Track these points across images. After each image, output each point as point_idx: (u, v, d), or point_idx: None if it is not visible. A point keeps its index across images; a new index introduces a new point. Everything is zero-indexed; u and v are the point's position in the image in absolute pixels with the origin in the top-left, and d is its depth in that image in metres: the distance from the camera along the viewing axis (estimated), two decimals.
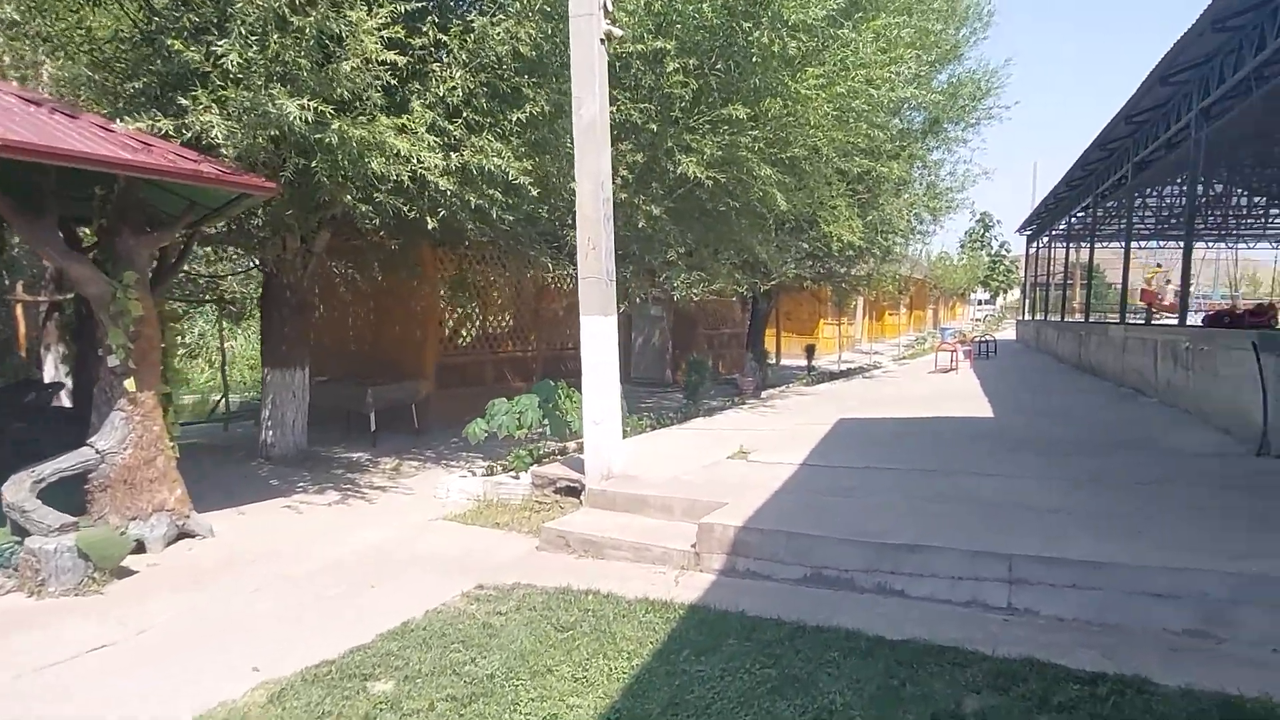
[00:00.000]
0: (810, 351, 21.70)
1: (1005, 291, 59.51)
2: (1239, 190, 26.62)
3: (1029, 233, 33.77)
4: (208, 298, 13.61)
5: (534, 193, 7.68)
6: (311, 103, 6.43)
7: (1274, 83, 10.05)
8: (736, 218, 11.18)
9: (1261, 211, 29.05)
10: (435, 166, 7.28)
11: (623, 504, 6.81)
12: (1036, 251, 32.29)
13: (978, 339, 25.51)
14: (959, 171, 18.67)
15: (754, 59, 9.11)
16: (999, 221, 56.49)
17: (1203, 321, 24.49)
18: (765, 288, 15.84)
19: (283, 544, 6.66)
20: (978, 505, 6.08)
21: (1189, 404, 10.37)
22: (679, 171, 9.18)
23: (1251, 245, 33.01)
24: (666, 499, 6.61)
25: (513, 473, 8.25)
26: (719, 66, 9.61)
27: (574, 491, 7.47)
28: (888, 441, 9.21)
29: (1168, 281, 36.49)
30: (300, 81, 6.62)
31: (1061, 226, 26.29)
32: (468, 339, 13.06)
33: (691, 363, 14.88)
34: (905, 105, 15.70)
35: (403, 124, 7.18)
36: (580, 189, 7.18)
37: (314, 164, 6.84)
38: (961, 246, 54.08)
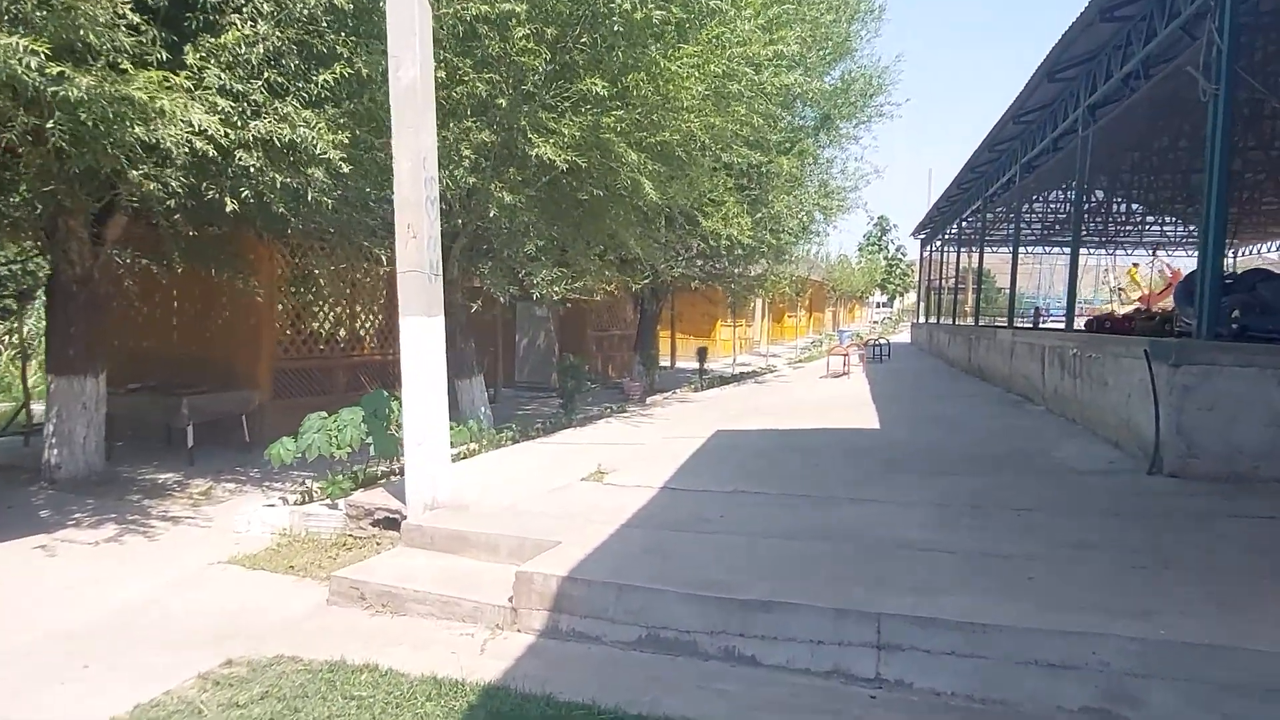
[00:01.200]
0: (702, 355, 20.97)
1: (902, 294, 60.75)
2: (1119, 198, 27.35)
3: (923, 236, 34.11)
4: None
5: (345, 169, 6.48)
6: (40, 46, 5.08)
7: (1160, 74, 9.71)
8: (606, 208, 10.20)
9: (1139, 219, 30.03)
10: (223, 135, 6.02)
11: (442, 542, 5.70)
12: (930, 255, 32.59)
13: (871, 342, 25.35)
14: (850, 169, 18.29)
15: (617, 29, 8.13)
16: (895, 225, 57.80)
17: (1084, 326, 25.01)
18: (638, 286, 14.94)
19: (7, 602, 5.29)
20: (849, 543, 5.23)
21: (1077, 414, 9.93)
22: (535, 155, 8.13)
23: (1129, 252, 34.23)
24: (492, 536, 5.53)
25: (328, 501, 7.02)
26: (583, 39, 8.60)
27: (395, 524, 6.31)
28: (763, 458, 8.38)
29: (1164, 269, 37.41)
30: (29, 19, 5.26)
31: (953, 230, 26.41)
32: (313, 340, 11.64)
33: (565, 367, 13.85)
34: (796, 99, 15.08)
35: (179, 80, 5.89)
36: (398, 167, 6.03)
37: (50, 125, 5.47)
38: (860, 249, 54.85)
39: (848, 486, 6.96)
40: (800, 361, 24.99)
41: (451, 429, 7.41)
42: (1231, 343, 6.87)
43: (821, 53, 15.43)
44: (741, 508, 6.23)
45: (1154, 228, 30.78)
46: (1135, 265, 36.95)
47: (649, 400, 15.83)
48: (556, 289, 9.86)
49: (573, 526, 5.58)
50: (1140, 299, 34.55)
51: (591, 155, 8.54)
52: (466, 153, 7.90)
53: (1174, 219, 29.57)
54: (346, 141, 6.67)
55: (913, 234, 35.01)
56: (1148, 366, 7.29)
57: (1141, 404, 7.64)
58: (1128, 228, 30.72)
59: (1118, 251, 33.73)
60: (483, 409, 11.48)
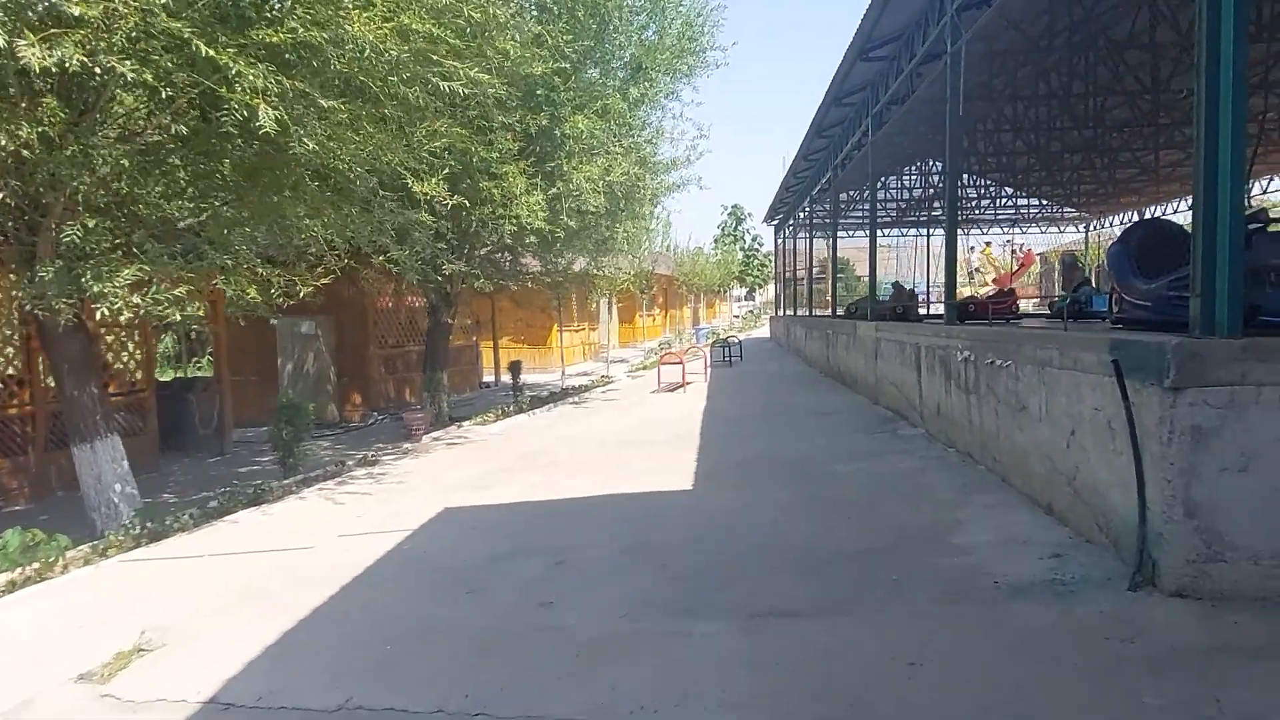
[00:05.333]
0: (516, 370, 17.15)
1: (761, 287, 58.73)
2: (972, 177, 25.44)
3: (775, 223, 31.57)
4: None
5: None
6: None
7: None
8: (260, 172, 6.37)
9: (990, 199, 28.40)
10: None
11: None
12: (783, 243, 30.03)
13: (716, 343, 22.22)
14: (671, 130, 14.97)
15: None
16: (750, 214, 55.53)
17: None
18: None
19: None
20: None
21: (975, 447, 6.75)
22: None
23: (984, 231, 32.84)
24: None
25: None
26: None
27: None
28: (468, 585, 4.65)
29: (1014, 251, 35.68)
30: None
31: (803, 216, 23.72)
32: None
33: (281, 409, 9.76)
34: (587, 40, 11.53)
35: None
36: None
37: None
38: (715, 241, 52.30)
39: (591, 666, 3.35)
40: (643, 368, 21.57)
41: None
42: (1273, 338, 3.71)
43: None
44: None
45: (1009, 206, 29.24)
46: (988, 244, 35.56)
47: (430, 438, 11.94)
48: (142, 300, 5.80)
49: None
50: (995, 280, 33.19)
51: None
52: None
53: (1029, 195, 28.08)
54: None
55: (765, 221, 32.42)
56: (1119, 389, 4.02)
57: (1102, 453, 4.37)
58: (979, 207, 29.09)
59: (973, 230, 32.22)
60: (117, 488, 7.31)
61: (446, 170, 9.38)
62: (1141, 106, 15.67)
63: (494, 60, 8.77)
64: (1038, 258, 36.25)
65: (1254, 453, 3.66)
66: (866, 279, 15.93)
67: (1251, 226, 4.81)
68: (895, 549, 4.82)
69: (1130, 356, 3.98)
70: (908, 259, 38.98)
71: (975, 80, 11.74)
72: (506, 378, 20.85)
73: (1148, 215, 27.26)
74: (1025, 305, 27.14)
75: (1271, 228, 5.07)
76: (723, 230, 53.91)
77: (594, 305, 27.38)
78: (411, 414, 13.10)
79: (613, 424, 11.29)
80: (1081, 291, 21.45)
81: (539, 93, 11.25)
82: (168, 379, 17.46)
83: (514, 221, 11.04)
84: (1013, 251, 36.00)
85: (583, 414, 12.94)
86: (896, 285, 13.45)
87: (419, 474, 8.56)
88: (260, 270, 6.91)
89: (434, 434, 12.28)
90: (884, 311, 13.51)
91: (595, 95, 12.20)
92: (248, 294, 6.45)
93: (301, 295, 7.75)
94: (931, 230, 29.98)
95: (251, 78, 5.46)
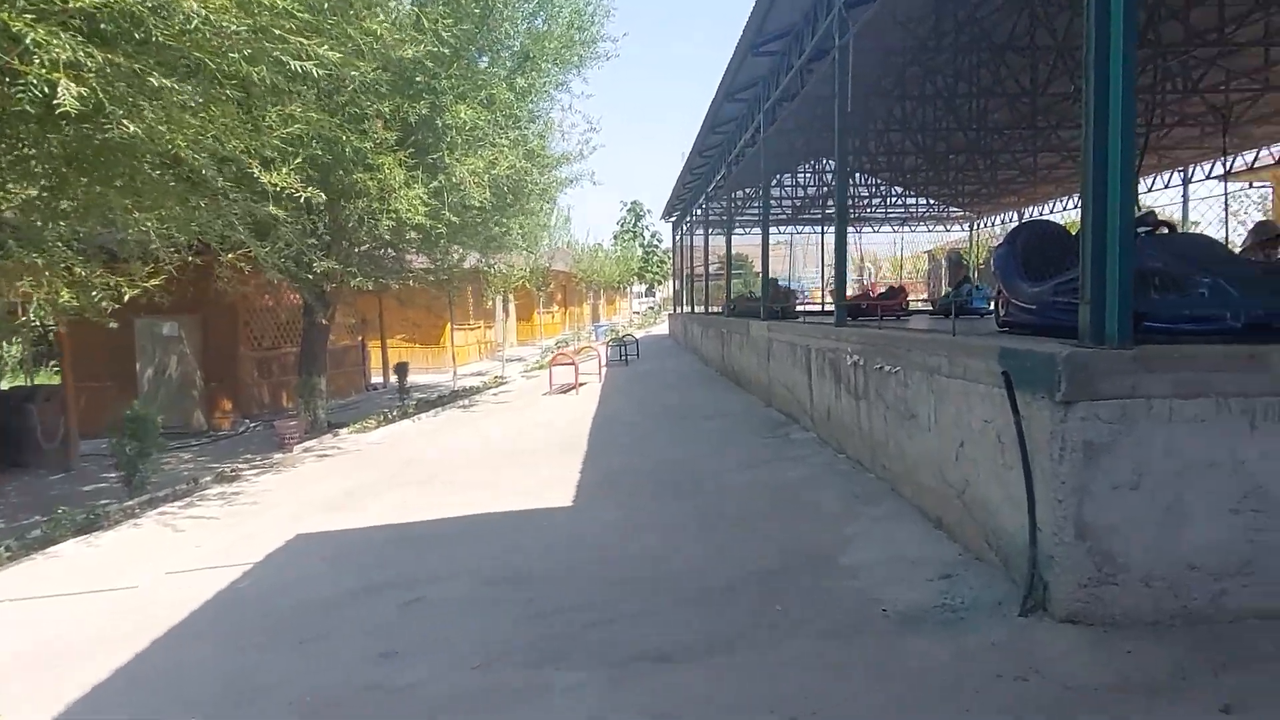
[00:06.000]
0: (402, 372, 16.35)
1: (661, 283, 58.79)
2: (864, 176, 25.84)
3: (672, 220, 31.44)
4: None
5: None
6: None
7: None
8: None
9: (881, 198, 28.98)
10: None
11: None
12: (681, 240, 29.91)
13: (613, 341, 21.85)
14: (561, 123, 14.52)
15: None
16: (649, 210, 55.42)
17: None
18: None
19: None
20: None
21: (864, 454, 6.54)
22: None
23: (876, 229, 33.54)
24: None
25: None
26: None
27: None
28: (297, 635, 4.08)
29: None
30: None
31: (699, 213, 23.59)
32: None
33: (126, 421, 8.83)
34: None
35: None
36: None
37: None
38: (615, 237, 51.95)
39: None
40: (538, 367, 20.94)
41: None
42: (1162, 346, 3.54)
43: None
44: None
45: (898, 205, 29.92)
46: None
47: (302, 448, 11.11)
48: None
49: None
50: (868, 288, 33.91)
51: None
52: None
53: (917, 194, 28.79)
54: None
55: (663, 217, 32.26)
56: (1009, 402, 3.78)
57: (992, 468, 4.15)
58: (870, 205, 29.67)
59: (863, 229, 32.86)
60: None
61: (308, 159, 8.65)
62: (1021, 109, 16.08)
63: (360, 41, 8.11)
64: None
65: (1146, 469, 3.47)
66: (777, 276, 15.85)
67: (1139, 230, 4.69)
68: (784, 573, 4.49)
69: (1020, 368, 3.75)
70: (803, 255, 39.60)
71: (865, 78, 11.70)
72: (412, 377, 19.94)
73: (1027, 216, 28.36)
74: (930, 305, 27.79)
75: (1159, 230, 4.99)
76: (622, 226, 53.61)
77: (490, 303, 26.59)
78: (284, 422, 12.21)
79: (499, 430, 10.72)
80: (963, 289, 22.11)
81: (418, 79, 10.56)
82: (5, 388, 15.83)
83: (392, 216, 10.36)
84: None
85: (470, 419, 12.32)
86: (773, 283, 13.37)
87: (279, 492, 7.82)
88: (81, 270, 6.05)
89: (308, 443, 11.45)
90: (757, 309, 13.36)
91: (480, 84, 11.58)
92: (60, 296, 5.63)
93: (154, 294, 6.93)
94: (825, 228, 30.42)
95: (54, 49, 4.71)
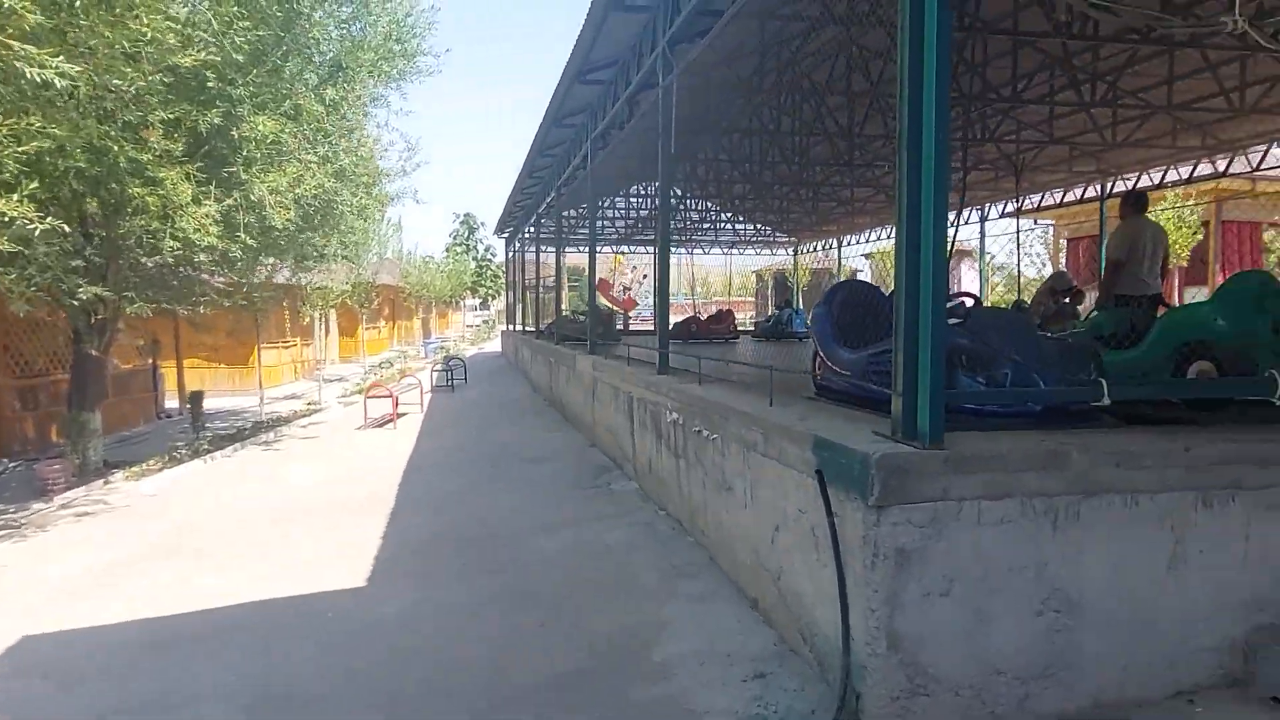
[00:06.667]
0: (196, 401, 14.76)
1: (496, 297, 57.59)
2: (694, 197, 26.25)
3: (506, 236, 30.77)
4: None
5: None
6: None
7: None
8: None
9: (710, 222, 29.57)
10: None
11: None
12: (514, 257, 29.30)
13: (439, 363, 20.91)
14: (377, 139, 13.67)
15: None
16: (483, 223, 54.10)
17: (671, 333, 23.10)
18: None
19: None
20: None
21: (685, 516, 6.30)
22: None
23: (707, 250, 34.23)
24: None
25: None
26: None
27: None
28: None
29: (645, 277, 36.04)
30: None
31: (531, 231, 23.12)
32: None
33: None
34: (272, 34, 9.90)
35: None
36: None
37: None
38: (447, 250, 50.33)
39: None
40: (358, 392, 19.60)
41: None
42: (974, 443, 3.41)
43: None
44: None
45: (728, 227, 30.64)
46: (621, 253, 34.40)
47: (63, 502, 9.66)
48: None
49: None
50: (600, 288, 33.74)
51: None
52: None
53: (746, 220, 29.62)
54: None
55: (495, 232, 31.50)
56: (823, 502, 3.58)
57: (807, 562, 3.94)
58: (703, 226, 30.25)
59: (695, 250, 33.48)
60: None
61: (70, 173, 7.53)
62: (839, 146, 16.73)
63: (126, 45, 7.11)
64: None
65: (956, 575, 3.35)
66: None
67: (951, 320, 4.66)
68: (591, 675, 4.09)
69: (834, 466, 3.55)
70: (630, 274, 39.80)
71: (693, 109, 11.69)
72: (221, 402, 18.07)
73: (847, 243, 29.83)
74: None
75: (965, 303, 5.01)
76: (455, 239, 52.04)
77: (307, 319, 24.85)
78: (48, 465, 10.66)
79: (299, 477, 9.75)
80: (784, 312, 22.88)
81: (210, 85, 9.48)
82: None
83: (178, 235, 9.23)
84: (625, 289, 36.53)
85: (269, 461, 11.18)
86: (593, 307, 13.20)
87: (15, 570, 6.61)
88: None
89: (74, 493, 9.98)
90: (582, 331, 13.10)
91: (284, 94, 10.59)
92: None
93: None
94: (653, 249, 30.76)
95: None
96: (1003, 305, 15.53)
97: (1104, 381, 3.74)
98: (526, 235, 25.35)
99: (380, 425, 13.36)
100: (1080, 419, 4.03)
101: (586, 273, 35.18)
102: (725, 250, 33.67)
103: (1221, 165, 15.28)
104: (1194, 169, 15.74)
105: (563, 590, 5.34)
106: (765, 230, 31.01)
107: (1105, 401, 3.69)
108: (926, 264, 3.36)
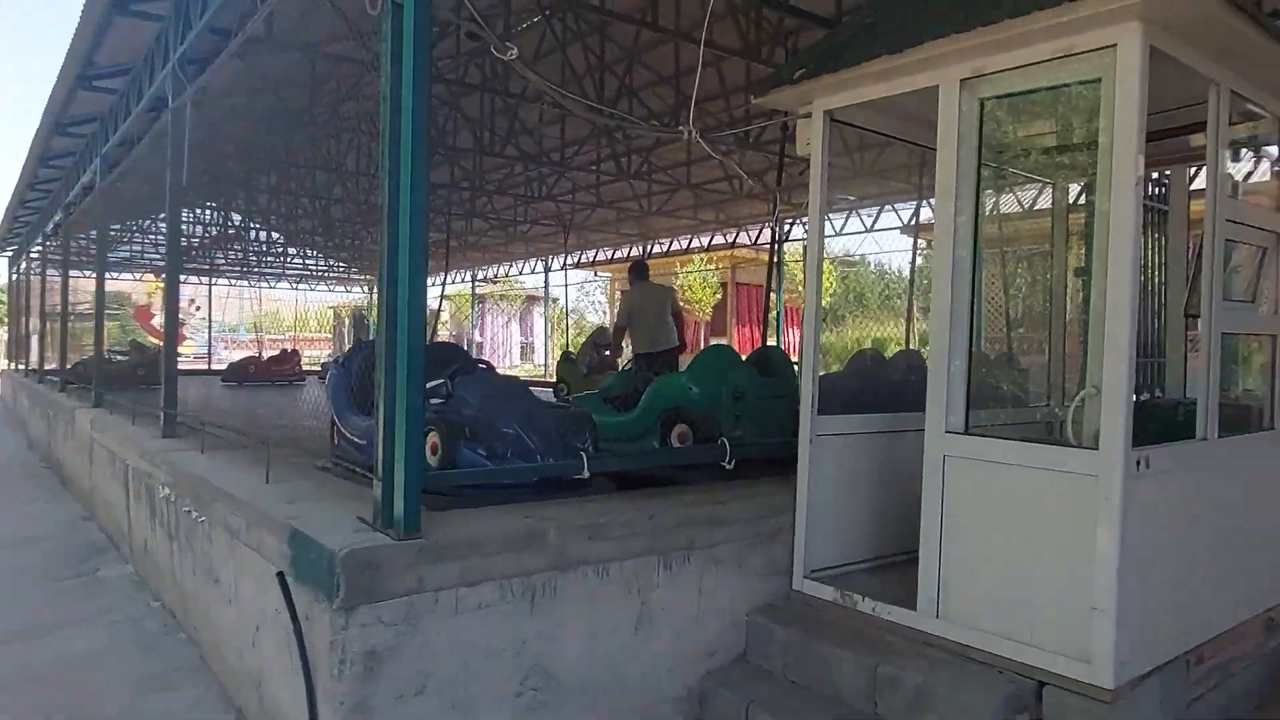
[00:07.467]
0: None
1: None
2: (257, 226, 24.05)
3: (9, 255, 25.24)
4: None
5: None
6: None
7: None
8: None
9: (280, 251, 27.43)
10: None
11: None
12: (19, 280, 24.12)
13: None
14: None
15: None
16: None
17: (224, 375, 20.62)
18: None
19: None
20: None
21: (178, 608, 5.42)
22: None
23: (274, 284, 31.57)
24: None
25: None
26: None
27: None
28: None
29: (197, 308, 31.87)
30: None
31: (40, 252, 19.25)
32: None
33: None
34: None
35: None
36: None
37: None
38: None
39: None
40: None
41: None
42: (452, 530, 3.31)
43: None
44: None
45: (297, 260, 28.65)
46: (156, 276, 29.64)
47: None
48: None
49: None
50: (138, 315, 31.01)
51: None
52: None
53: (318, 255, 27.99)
54: None
55: None
56: (287, 607, 3.21)
57: (284, 669, 3.52)
58: (269, 258, 27.87)
59: (262, 283, 30.70)
60: None
61: None
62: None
63: None
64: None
65: (432, 670, 3.19)
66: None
67: (453, 369, 4.62)
68: None
69: (305, 563, 3.21)
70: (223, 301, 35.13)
71: (213, 135, 10.66)
72: None
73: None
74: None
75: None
76: None
77: None
78: None
79: None
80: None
81: None
82: None
83: None
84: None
85: None
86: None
87: None
88: None
89: None
90: (116, 373, 11.22)
91: None
92: None
93: None
94: (214, 280, 27.76)
95: None
96: (565, 349, 16.53)
97: (585, 455, 3.94)
98: (34, 255, 20.96)
99: None
100: (572, 488, 4.19)
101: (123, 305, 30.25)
102: (293, 285, 31.44)
103: (731, 237, 18.14)
104: (711, 238, 18.47)
105: None
106: (339, 266, 29.63)
107: (585, 475, 3.88)
108: (403, 339, 3.21)
